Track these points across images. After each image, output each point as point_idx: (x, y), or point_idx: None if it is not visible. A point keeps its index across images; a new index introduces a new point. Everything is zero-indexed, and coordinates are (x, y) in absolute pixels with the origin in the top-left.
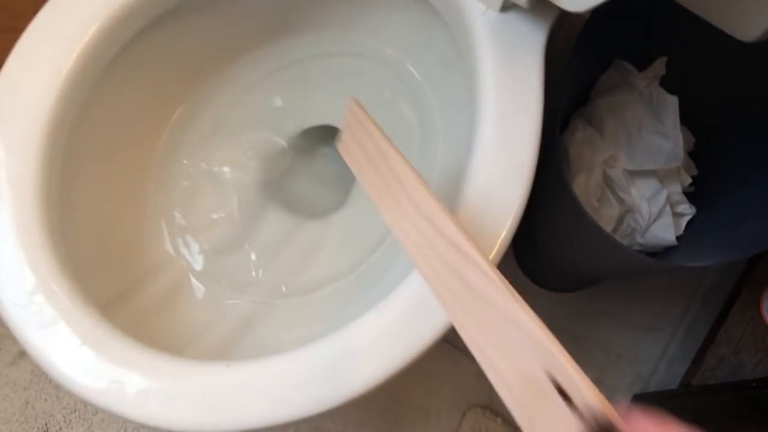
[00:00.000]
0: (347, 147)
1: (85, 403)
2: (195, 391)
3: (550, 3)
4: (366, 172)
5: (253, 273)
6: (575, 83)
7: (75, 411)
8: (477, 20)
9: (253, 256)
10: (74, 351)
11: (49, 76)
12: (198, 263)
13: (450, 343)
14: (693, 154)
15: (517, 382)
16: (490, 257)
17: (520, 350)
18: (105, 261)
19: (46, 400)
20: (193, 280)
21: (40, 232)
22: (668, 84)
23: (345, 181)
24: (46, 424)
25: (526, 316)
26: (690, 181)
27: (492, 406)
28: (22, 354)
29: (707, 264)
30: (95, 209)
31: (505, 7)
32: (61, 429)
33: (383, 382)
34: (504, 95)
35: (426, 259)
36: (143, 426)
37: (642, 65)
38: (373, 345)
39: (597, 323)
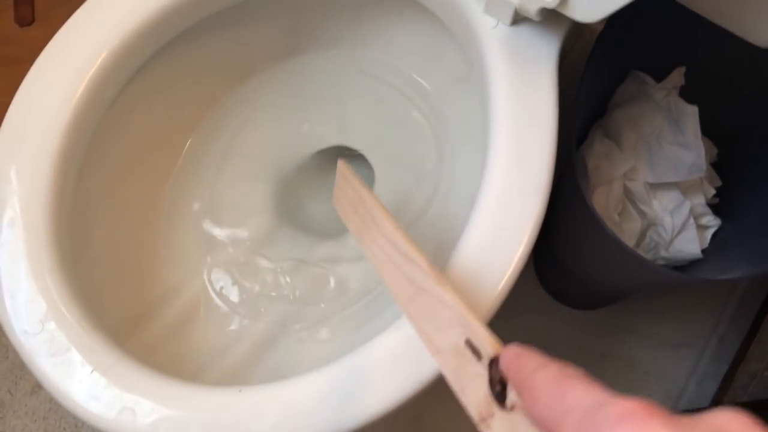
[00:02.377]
0: (338, 200)
1: None
2: (207, 418)
3: (562, 15)
4: (351, 218)
5: (268, 295)
6: (592, 95)
7: None
8: (487, 34)
9: (268, 279)
10: (85, 378)
11: (59, 104)
12: (211, 288)
13: None
14: (716, 165)
15: (451, 355)
16: (507, 275)
17: (449, 326)
18: (118, 287)
19: (65, 429)
20: (206, 305)
21: (51, 259)
22: (688, 94)
23: None
24: None
25: (448, 294)
26: (714, 192)
27: None
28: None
29: (734, 277)
30: (108, 236)
31: (516, 21)
32: None
33: (399, 405)
34: (517, 109)
35: (390, 274)
36: None
37: (660, 75)
38: (388, 367)
39: (623, 340)
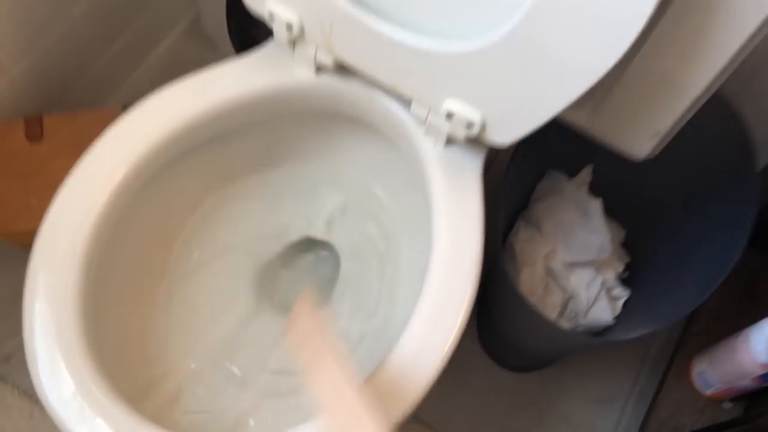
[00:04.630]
0: (292, 329)
1: None
2: None
3: (481, 138)
4: (301, 349)
5: (248, 372)
6: (516, 192)
7: None
8: (428, 152)
9: (250, 357)
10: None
11: (83, 217)
12: (200, 366)
13: (426, 425)
14: (626, 244)
15: None
16: (453, 335)
17: None
18: (130, 362)
19: None
20: (199, 379)
21: (78, 339)
22: (600, 185)
23: (326, 286)
24: None
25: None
26: (623, 268)
27: None
28: None
29: (633, 336)
30: (118, 323)
31: (449, 142)
32: None
33: None
34: (452, 210)
35: (332, 411)
36: None
37: (574, 171)
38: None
39: (558, 399)
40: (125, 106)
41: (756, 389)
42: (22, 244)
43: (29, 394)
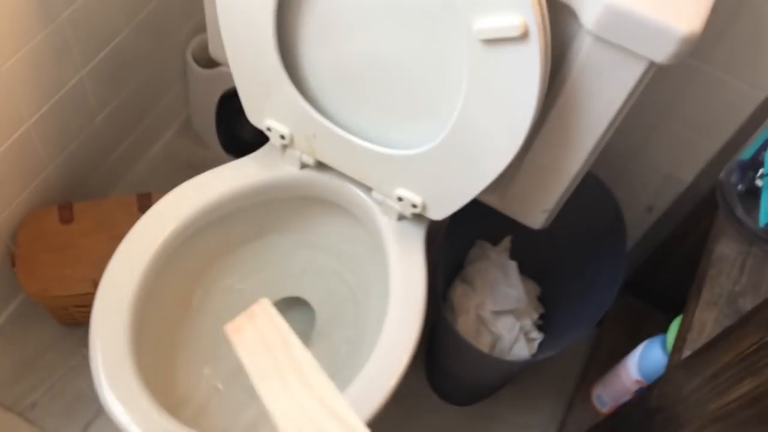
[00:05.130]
0: (241, 332)
1: None
2: None
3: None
4: (256, 355)
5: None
6: (453, 256)
7: None
8: (384, 225)
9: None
10: None
11: (129, 276)
12: (221, 384)
13: None
14: (541, 299)
15: None
16: (403, 368)
17: None
18: (164, 383)
19: None
20: (221, 395)
21: (130, 365)
22: (518, 250)
23: (307, 333)
24: None
25: None
26: (537, 316)
27: None
28: None
29: (541, 357)
30: (154, 354)
31: (400, 218)
32: None
33: None
34: (403, 269)
35: (296, 425)
36: None
37: (497, 240)
38: None
39: (494, 427)
40: (139, 194)
41: None
42: (55, 307)
43: None
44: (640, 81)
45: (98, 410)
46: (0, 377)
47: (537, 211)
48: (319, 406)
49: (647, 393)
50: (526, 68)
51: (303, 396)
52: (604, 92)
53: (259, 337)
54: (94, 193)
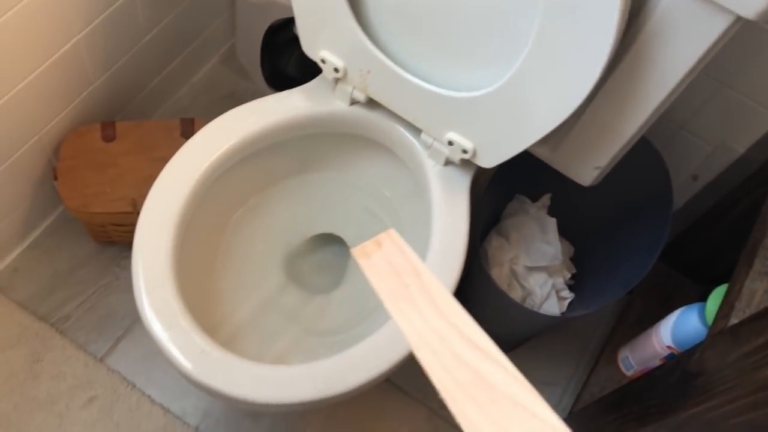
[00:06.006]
0: (369, 256)
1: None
2: (258, 378)
3: (472, 161)
4: (387, 281)
5: (286, 323)
6: (491, 209)
7: None
8: (430, 169)
9: (289, 314)
10: (196, 354)
11: (176, 194)
12: (248, 316)
13: (405, 393)
14: (573, 259)
15: None
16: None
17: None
18: (201, 307)
19: None
20: (254, 323)
21: (173, 288)
22: (555, 209)
23: (341, 270)
24: None
25: (551, 412)
26: (569, 276)
27: None
28: (91, 400)
29: (574, 315)
30: (194, 276)
31: (447, 163)
32: None
33: (364, 386)
34: (446, 215)
35: (435, 354)
36: (226, 397)
37: (536, 197)
38: (359, 361)
39: None
40: (182, 119)
41: None
42: (93, 223)
43: (84, 347)
44: (720, 38)
45: (128, 328)
46: (36, 288)
47: (589, 167)
48: (452, 329)
49: (685, 357)
50: (605, 14)
51: (435, 319)
52: (680, 47)
53: (387, 263)
54: (136, 114)
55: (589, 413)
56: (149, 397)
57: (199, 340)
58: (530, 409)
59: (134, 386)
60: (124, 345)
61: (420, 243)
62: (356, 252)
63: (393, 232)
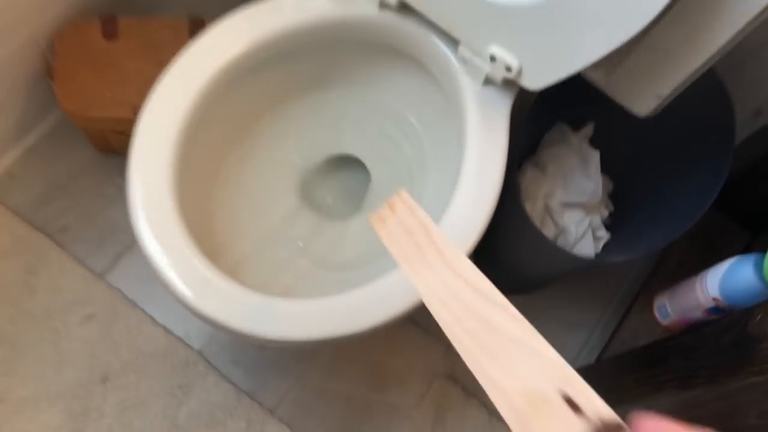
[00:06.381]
0: (383, 222)
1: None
2: (260, 309)
3: (516, 81)
4: (400, 242)
5: (297, 253)
6: (528, 137)
7: (129, 363)
8: (467, 89)
9: (300, 243)
10: (197, 281)
11: (178, 105)
12: (254, 242)
13: (423, 328)
14: (611, 196)
15: (521, 398)
16: (467, 249)
17: (533, 373)
18: (203, 230)
19: (107, 353)
20: (260, 252)
21: (171, 203)
22: (596, 142)
23: (360, 195)
24: (106, 372)
25: (549, 348)
26: (607, 214)
27: (454, 376)
28: (89, 317)
29: (613, 261)
30: (197, 193)
31: (486, 82)
32: (118, 377)
33: (376, 327)
34: (482, 143)
35: (446, 306)
36: (232, 330)
37: (577, 125)
38: (373, 301)
39: (536, 320)
40: (192, 18)
41: (701, 322)
42: (92, 129)
43: (83, 261)
44: None
45: (130, 244)
46: (32, 196)
47: (649, 95)
48: (462, 282)
49: (741, 318)
50: None
51: (445, 274)
52: None
53: (401, 226)
54: (141, 10)
55: (621, 363)
56: (151, 317)
57: (200, 266)
58: (532, 348)
59: (135, 305)
60: (126, 261)
61: (444, 172)
62: (373, 220)
63: (404, 194)
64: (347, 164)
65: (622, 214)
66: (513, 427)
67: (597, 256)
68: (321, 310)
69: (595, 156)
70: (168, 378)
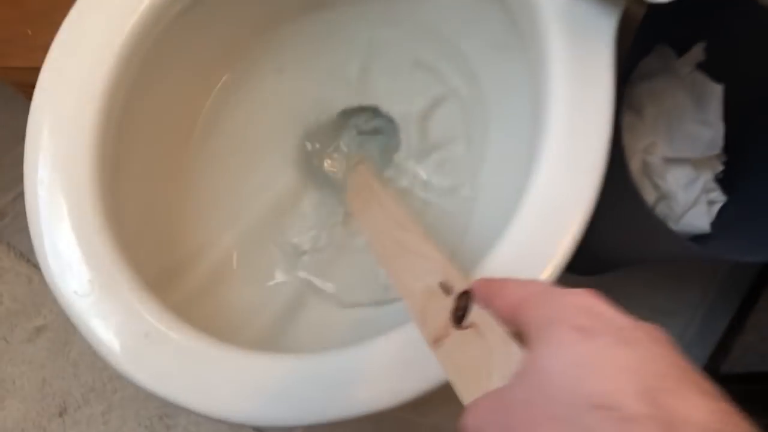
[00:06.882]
0: (350, 195)
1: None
2: (222, 379)
3: None
4: (354, 201)
5: (297, 247)
6: (618, 66)
7: (93, 390)
8: (545, 3)
9: (295, 238)
10: (132, 341)
11: (99, 56)
12: (243, 243)
13: None
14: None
15: (421, 295)
16: (555, 260)
17: (426, 274)
18: (151, 242)
19: (63, 378)
20: (239, 262)
21: (95, 219)
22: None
23: (385, 162)
24: (64, 402)
25: (436, 252)
26: (722, 168)
27: None
28: (39, 330)
29: (758, 260)
30: (139, 192)
31: None
32: (79, 407)
33: (384, 409)
34: (575, 84)
35: (378, 239)
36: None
37: (680, 51)
38: (383, 373)
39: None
40: None
41: None
42: (18, 83)
43: (27, 257)
44: None
45: None
46: None
47: None
48: (394, 223)
49: None
50: None
51: (380, 214)
52: None
53: (357, 191)
54: None
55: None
56: None
57: (136, 303)
58: (426, 255)
59: None
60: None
61: (513, 130)
62: (349, 199)
63: (362, 168)
64: (365, 119)
65: (737, 165)
66: (416, 320)
67: (711, 229)
68: (319, 373)
69: (716, 92)
70: (144, 407)
